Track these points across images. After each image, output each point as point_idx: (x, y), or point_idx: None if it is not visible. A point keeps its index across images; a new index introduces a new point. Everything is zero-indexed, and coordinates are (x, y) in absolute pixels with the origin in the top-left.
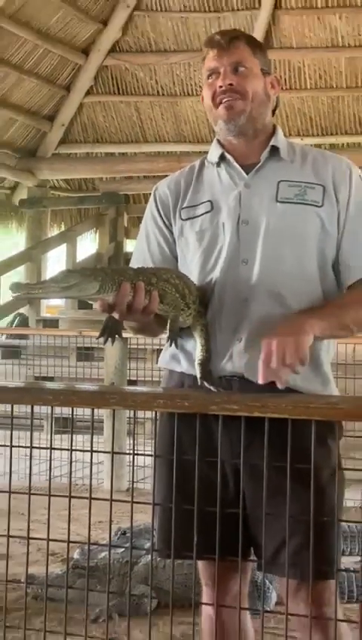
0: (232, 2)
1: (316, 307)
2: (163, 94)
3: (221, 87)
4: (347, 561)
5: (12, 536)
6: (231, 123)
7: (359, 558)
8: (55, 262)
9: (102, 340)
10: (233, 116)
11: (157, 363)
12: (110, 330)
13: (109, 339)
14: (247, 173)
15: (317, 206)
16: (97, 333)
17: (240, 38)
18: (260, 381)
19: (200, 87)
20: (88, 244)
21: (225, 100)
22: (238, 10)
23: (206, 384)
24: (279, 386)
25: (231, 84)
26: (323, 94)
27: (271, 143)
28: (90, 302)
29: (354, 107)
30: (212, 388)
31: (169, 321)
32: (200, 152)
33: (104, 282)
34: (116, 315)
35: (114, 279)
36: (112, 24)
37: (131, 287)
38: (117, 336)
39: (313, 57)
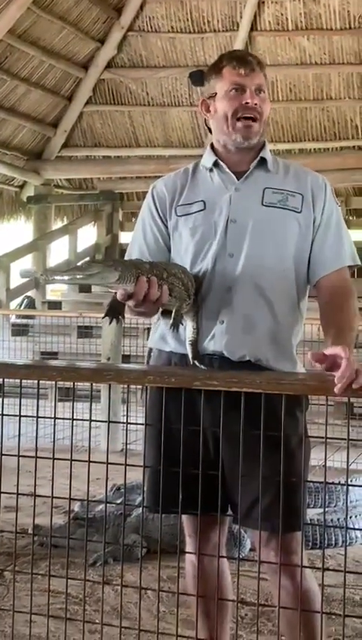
0: (214, 25)
1: (338, 340)
2: (153, 104)
3: (248, 103)
4: (310, 513)
5: (21, 494)
6: (247, 140)
7: (321, 511)
8: (58, 251)
9: (107, 320)
10: (250, 135)
11: (147, 340)
12: (114, 312)
13: (114, 319)
14: (237, 179)
15: (296, 212)
16: (96, 314)
17: (262, 65)
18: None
19: (185, 98)
20: (87, 236)
21: (248, 117)
22: (219, 31)
23: (196, 363)
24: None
25: (256, 104)
26: (293, 105)
27: (261, 155)
28: (110, 289)
29: (319, 117)
30: (201, 366)
31: (174, 311)
32: (186, 155)
33: (123, 273)
34: (131, 303)
35: (132, 271)
36: (109, 43)
37: (146, 280)
38: (120, 317)
39: (284, 73)
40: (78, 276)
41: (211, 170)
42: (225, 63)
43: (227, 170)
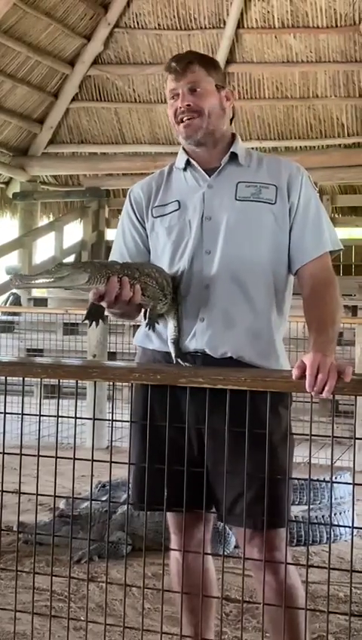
0: (200, 22)
1: (320, 337)
2: (139, 101)
3: (180, 107)
4: (295, 510)
5: (6, 491)
6: (190, 139)
7: (306, 507)
8: (44, 248)
9: (87, 322)
10: (191, 133)
11: (133, 337)
12: (94, 315)
13: (94, 322)
14: (210, 176)
15: (271, 203)
16: (81, 311)
17: (193, 62)
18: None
19: None
20: (74, 233)
21: (185, 118)
22: (206, 28)
23: (179, 361)
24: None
25: (188, 105)
26: (280, 103)
27: (231, 150)
28: (82, 291)
29: (306, 115)
30: (185, 364)
31: (148, 310)
32: (172, 152)
33: (93, 274)
34: (104, 304)
35: (102, 272)
36: (95, 39)
37: (118, 281)
38: (100, 320)
39: (271, 71)
40: (48, 280)
41: (184, 169)
42: (166, 70)
43: (199, 168)
